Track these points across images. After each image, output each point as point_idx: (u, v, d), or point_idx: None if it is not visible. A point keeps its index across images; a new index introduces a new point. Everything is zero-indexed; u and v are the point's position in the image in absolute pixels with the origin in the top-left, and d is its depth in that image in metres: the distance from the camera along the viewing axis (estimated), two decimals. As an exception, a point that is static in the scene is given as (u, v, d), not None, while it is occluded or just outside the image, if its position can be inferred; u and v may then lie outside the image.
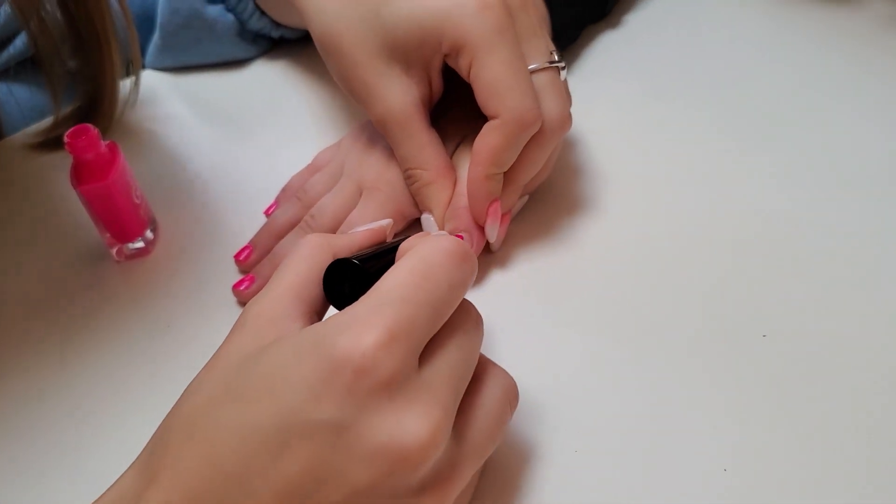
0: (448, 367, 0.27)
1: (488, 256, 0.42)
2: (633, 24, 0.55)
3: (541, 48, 0.39)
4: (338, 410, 0.25)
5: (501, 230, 0.41)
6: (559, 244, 0.42)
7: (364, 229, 0.34)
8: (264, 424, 0.25)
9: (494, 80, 0.37)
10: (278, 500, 0.25)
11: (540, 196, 0.44)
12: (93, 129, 0.39)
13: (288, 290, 0.30)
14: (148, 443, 0.28)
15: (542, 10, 0.42)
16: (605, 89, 0.50)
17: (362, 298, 0.27)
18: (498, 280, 0.41)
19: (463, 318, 0.29)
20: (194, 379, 0.28)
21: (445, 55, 0.39)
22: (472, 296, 0.39)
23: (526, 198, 0.43)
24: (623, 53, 0.53)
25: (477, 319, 0.30)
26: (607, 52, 0.53)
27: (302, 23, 0.42)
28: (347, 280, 0.30)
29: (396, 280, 0.28)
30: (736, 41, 0.54)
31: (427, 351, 0.27)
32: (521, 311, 0.39)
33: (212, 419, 0.26)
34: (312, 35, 0.41)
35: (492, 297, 0.40)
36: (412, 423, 0.25)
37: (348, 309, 0.27)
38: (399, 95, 0.39)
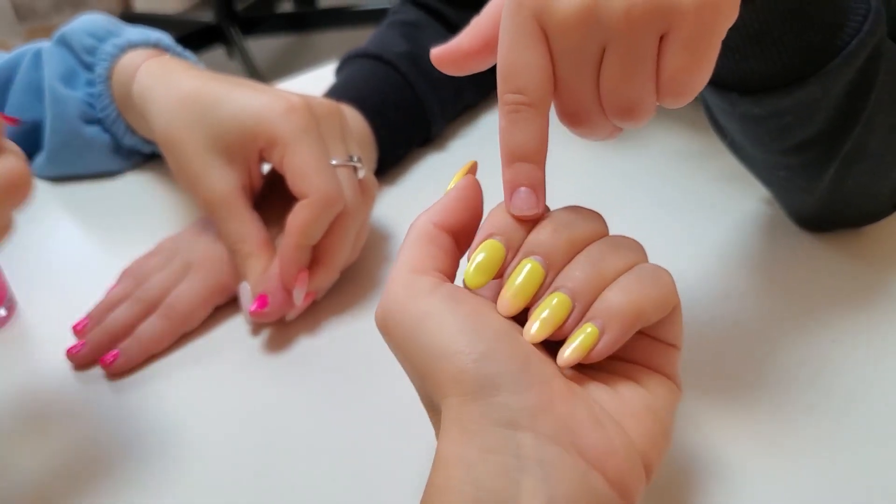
0: None
1: (297, 322, 0.49)
2: (455, 148, 0.65)
3: (340, 148, 0.48)
4: None
5: (302, 306, 0.48)
6: (359, 318, 0.50)
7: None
8: None
9: (302, 166, 0.45)
10: None
11: (347, 276, 0.51)
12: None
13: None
14: None
15: (343, 120, 0.50)
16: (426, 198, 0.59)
17: None
18: (306, 342, 0.48)
19: None
20: None
21: (261, 150, 0.47)
22: (278, 357, 0.46)
23: (336, 275, 0.50)
24: (445, 173, 0.62)
25: None
26: (431, 169, 0.63)
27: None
28: None
29: None
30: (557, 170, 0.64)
31: None
32: (324, 371, 0.46)
33: None
34: (154, 135, 0.49)
35: (298, 357, 0.47)
36: None
37: None
38: (221, 182, 0.47)
